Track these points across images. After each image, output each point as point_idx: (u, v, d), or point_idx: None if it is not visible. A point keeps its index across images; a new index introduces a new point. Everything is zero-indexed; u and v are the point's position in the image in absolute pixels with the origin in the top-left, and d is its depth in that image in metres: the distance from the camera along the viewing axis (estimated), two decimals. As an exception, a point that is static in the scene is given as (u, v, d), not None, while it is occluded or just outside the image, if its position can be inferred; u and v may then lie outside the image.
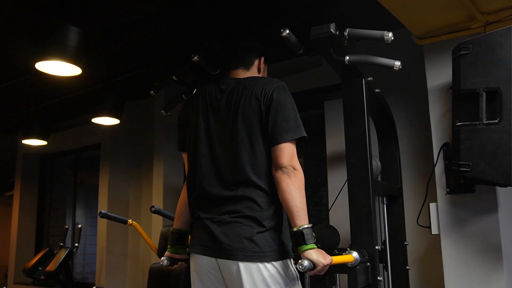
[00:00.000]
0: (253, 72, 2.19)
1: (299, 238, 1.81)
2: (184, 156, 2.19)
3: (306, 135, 1.96)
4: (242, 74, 2.16)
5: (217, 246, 1.90)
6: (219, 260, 1.91)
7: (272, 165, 1.92)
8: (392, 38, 2.09)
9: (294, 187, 1.85)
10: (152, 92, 2.98)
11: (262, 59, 2.24)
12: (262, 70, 2.24)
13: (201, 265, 1.98)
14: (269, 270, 1.85)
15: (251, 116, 1.96)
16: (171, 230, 2.19)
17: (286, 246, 1.94)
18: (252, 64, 2.20)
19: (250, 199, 1.91)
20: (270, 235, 1.90)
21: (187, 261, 2.18)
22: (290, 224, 1.89)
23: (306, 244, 1.80)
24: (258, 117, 1.95)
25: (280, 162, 1.89)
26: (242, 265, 1.84)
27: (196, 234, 2.02)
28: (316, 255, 1.79)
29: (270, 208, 1.92)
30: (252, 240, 1.86)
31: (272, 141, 1.93)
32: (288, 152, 1.90)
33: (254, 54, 2.21)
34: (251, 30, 2.32)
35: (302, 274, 2.20)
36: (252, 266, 1.84)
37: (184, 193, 2.19)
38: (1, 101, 5.39)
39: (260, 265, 1.85)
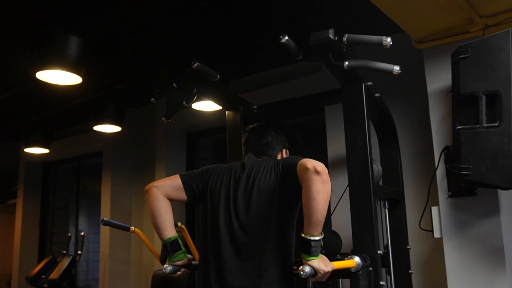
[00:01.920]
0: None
1: (305, 247, 1.82)
2: (175, 178, 2.23)
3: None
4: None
5: None
6: None
7: (302, 169, 1.87)
8: (391, 43, 2.09)
9: (323, 197, 1.79)
10: (153, 99, 2.99)
11: (284, 151, 2.37)
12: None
13: None
14: None
15: (266, 186, 2.04)
16: (162, 243, 2.16)
17: None
18: (275, 157, 2.33)
19: (258, 277, 1.95)
20: None
21: (189, 267, 2.19)
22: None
23: (310, 255, 1.81)
24: (273, 185, 2.03)
25: (314, 164, 1.83)
26: None
27: None
28: (318, 262, 1.79)
29: (282, 281, 1.96)
30: None
31: (294, 163, 1.95)
32: (315, 161, 1.87)
33: (275, 150, 2.34)
34: (269, 127, 2.39)
35: (304, 280, 2.20)
36: None
37: (154, 207, 2.14)
38: (3, 109, 5.41)
39: None
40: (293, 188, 1.96)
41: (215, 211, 2.12)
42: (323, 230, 1.86)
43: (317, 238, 1.80)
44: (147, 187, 2.17)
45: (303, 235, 1.82)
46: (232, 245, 2.02)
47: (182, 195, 2.20)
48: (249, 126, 2.43)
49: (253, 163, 2.19)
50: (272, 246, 1.97)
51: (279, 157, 2.34)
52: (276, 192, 2.02)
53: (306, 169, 1.83)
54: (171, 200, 2.19)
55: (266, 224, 1.99)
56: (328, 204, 1.83)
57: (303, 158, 1.93)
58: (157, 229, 2.15)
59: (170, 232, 2.15)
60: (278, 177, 2.04)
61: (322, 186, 1.79)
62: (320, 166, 1.81)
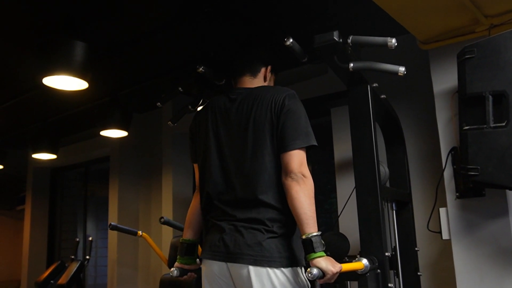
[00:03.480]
0: (259, 80, 2.20)
1: (307, 246, 1.81)
2: (195, 166, 2.21)
3: (316, 143, 1.97)
4: (249, 82, 2.18)
5: (226, 250, 1.92)
6: (229, 264, 1.92)
7: (281, 172, 1.92)
8: (396, 44, 2.09)
9: (303, 194, 1.85)
10: (159, 103, 3.00)
11: (269, 68, 2.25)
12: (268, 79, 2.25)
13: (211, 271, 1.98)
14: (278, 276, 1.86)
15: (262, 126, 1.98)
16: (180, 241, 2.19)
17: (296, 254, 1.94)
18: (258, 71, 2.21)
19: (260, 208, 1.92)
20: (280, 241, 1.91)
21: (197, 271, 2.19)
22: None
23: (314, 252, 1.80)
24: (269, 127, 1.97)
25: (289, 168, 1.89)
26: (252, 269, 1.85)
27: (207, 239, 2.04)
28: (325, 263, 1.78)
29: (280, 217, 1.93)
30: (261, 245, 1.87)
31: (281, 148, 1.94)
32: (297, 159, 1.90)
33: (260, 62, 2.23)
34: (258, 41, 2.34)
35: (312, 282, 2.20)
36: (262, 270, 1.85)
37: (194, 204, 2.20)
38: (11, 116, 5.44)
39: (270, 270, 1.85)
40: None
41: (207, 152, 2.08)
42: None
43: (315, 234, 1.81)
44: (197, 186, 2.21)
45: (303, 237, 1.82)
46: (231, 182, 1.99)
47: None
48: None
49: (243, 95, 2.09)
50: (272, 184, 1.94)
51: (262, 72, 2.22)
52: (273, 135, 1.96)
53: (282, 177, 1.91)
54: None
55: (264, 162, 1.95)
56: (312, 200, 1.86)
57: (291, 147, 1.91)
58: (186, 226, 2.22)
59: (194, 235, 2.19)
60: (273, 123, 1.97)
61: (299, 187, 1.86)
62: (294, 170, 1.88)
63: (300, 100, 2.05)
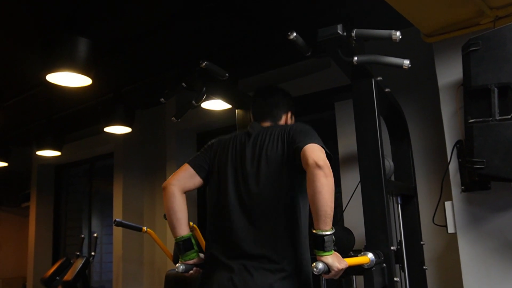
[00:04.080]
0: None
1: (318, 244, 1.80)
2: (186, 166, 2.23)
3: (331, 154, 1.96)
4: (269, 125, 2.26)
5: None
6: None
7: (304, 162, 1.88)
8: (400, 37, 2.07)
9: (327, 190, 1.81)
10: (162, 99, 2.99)
11: (289, 114, 2.34)
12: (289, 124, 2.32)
13: None
14: None
15: (274, 157, 2.02)
16: (175, 241, 2.17)
17: None
18: (280, 119, 2.30)
19: (272, 246, 1.94)
20: (290, 282, 1.92)
21: (202, 266, 2.18)
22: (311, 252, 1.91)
23: (324, 251, 1.80)
24: (280, 154, 2.02)
25: (316, 157, 1.84)
26: None
27: (215, 279, 2.02)
28: (332, 259, 1.78)
29: (291, 251, 1.95)
30: (272, 287, 1.88)
31: (297, 151, 1.93)
32: (320, 152, 1.88)
33: (281, 110, 2.30)
34: (277, 88, 2.39)
35: (317, 277, 2.19)
36: None
37: (171, 203, 2.16)
38: (15, 114, 5.45)
39: None
40: (298, 167, 1.95)
41: (223, 183, 2.11)
42: (335, 227, 1.86)
43: (329, 232, 1.80)
44: (164, 185, 2.19)
45: (314, 231, 1.81)
46: (244, 215, 2.01)
47: (197, 180, 2.21)
48: (257, 87, 2.43)
49: (258, 130, 2.17)
50: (284, 214, 1.96)
51: (283, 119, 2.30)
52: (284, 162, 2.00)
53: (307, 164, 1.84)
54: (189, 190, 2.21)
55: (276, 193, 1.98)
56: (333, 197, 1.84)
57: (308, 142, 1.91)
58: (172, 227, 2.17)
59: (183, 230, 2.16)
60: (285, 147, 2.02)
61: (325, 180, 1.81)
62: (321, 160, 1.82)
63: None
